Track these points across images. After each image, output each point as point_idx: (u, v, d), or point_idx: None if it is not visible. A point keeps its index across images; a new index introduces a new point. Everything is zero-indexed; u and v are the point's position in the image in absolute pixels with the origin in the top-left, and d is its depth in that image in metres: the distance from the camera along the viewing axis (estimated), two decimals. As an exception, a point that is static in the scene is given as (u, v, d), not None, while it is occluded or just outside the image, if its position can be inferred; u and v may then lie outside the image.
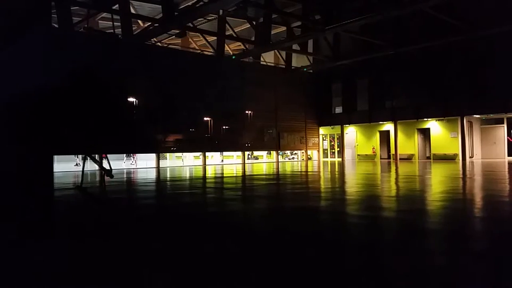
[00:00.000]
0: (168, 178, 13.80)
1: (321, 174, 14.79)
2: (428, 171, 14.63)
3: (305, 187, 10.08)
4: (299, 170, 17.85)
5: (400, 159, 25.34)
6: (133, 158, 25.03)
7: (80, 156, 22.05)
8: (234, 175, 15.25)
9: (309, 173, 15.66)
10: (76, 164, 21.60)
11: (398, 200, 7.17)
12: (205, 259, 3.43)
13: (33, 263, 3.45)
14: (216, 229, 4.74)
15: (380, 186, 9.88)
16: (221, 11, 22.21)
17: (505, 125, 23.68)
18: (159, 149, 21.89)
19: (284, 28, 25.85)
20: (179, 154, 28.86)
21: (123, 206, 7.17)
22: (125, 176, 15.21)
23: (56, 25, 17.73)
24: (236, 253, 3.60)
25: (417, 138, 25.66)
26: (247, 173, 15.97)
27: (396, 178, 11.91)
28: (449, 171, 14.14)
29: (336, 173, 15.15)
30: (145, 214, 6.16)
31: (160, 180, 13.17)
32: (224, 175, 15.30)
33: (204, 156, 24.85)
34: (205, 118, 22.94)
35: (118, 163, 23.93)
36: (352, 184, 10.53)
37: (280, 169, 18.15)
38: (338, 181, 11.57)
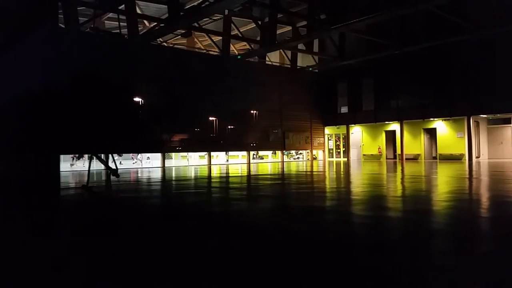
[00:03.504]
0: (174, 178, 13.81)
1: (328, 174, 14.74)
2: (435, 172, 14.53)
3: (311, 187, 10.05)
4: (305, 170, 17.81)
5: (406, 159, 25.20)
6: (140, 157, 25.10)
7: (70, 156, 22.31)
8: (240, 175, 15.24)
9: (315, 173, 15.61)
10: (71, 165, 21.80)
11: (407, 200, 7.12)
12: (210, 255, 3.42)
13: (38, 261, 3.46)
14: (226, 228, 4.74)
15: (387, 186, 9.84)
16: (226, 11, 22.20)
17: (512, 125, 23.50)
18: (165, 149, 21.93)
19: (289, 28, 25.82)
20: (185, 153, 28.92)
21: (130, 205, 7.18)
22: (130, 176, 15.25)
23: (62, 25, 17.81)
24: (238, 249, 3.59)
25: (423, 138, 25.52)
26: (253, 173, 15.96)
27: (403, 179, 11.84)
28: (457, 172, 14.04)
29: (342, 173, 15.09)
30: (153, 213, 6.16)
31: (166, 179, 13.18)
32: (230, 175, 15.29)
33: (210, 156, 24.88)
34: (211, 118, 22.94)
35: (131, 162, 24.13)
36: (359, 184, 10.49)
37: (285, 169, 18.11)
38: (344, 181, 11.52)
